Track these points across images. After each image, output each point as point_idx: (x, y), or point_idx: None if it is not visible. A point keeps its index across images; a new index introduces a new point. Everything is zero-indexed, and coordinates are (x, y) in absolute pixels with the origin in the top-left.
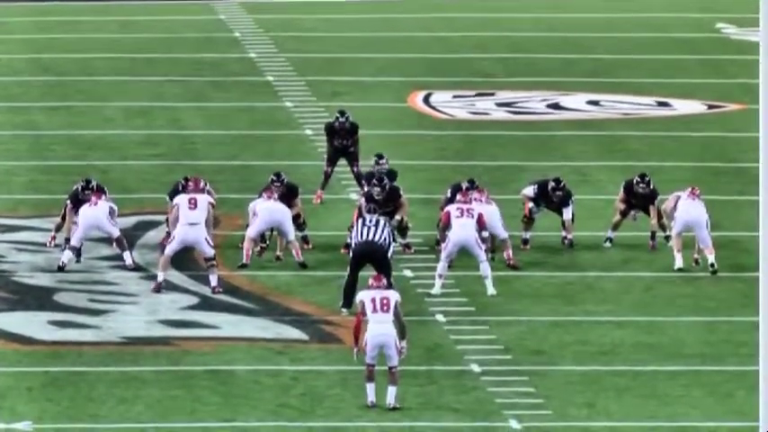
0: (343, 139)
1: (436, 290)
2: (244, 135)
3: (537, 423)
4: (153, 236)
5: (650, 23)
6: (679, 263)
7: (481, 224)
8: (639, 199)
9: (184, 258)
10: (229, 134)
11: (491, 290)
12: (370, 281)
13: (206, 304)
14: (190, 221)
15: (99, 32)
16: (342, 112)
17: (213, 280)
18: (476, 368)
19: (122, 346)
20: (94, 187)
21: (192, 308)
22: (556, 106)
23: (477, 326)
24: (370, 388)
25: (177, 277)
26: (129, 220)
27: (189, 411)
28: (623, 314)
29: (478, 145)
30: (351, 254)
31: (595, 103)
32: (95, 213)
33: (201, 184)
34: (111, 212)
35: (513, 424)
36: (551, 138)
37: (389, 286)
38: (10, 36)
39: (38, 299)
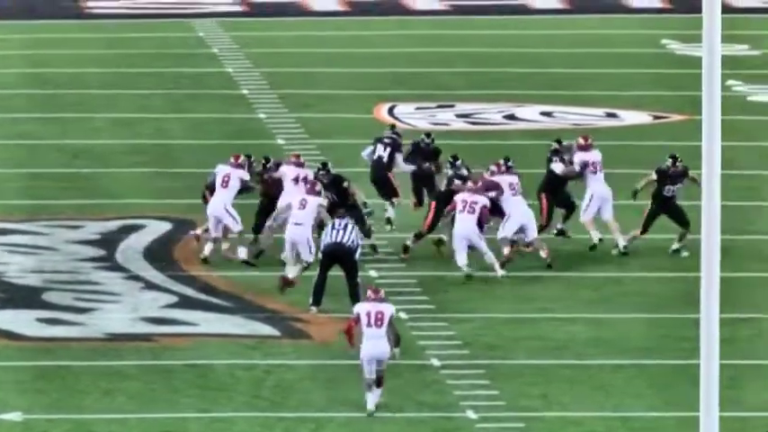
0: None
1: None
2: (221, 144)
3: (493, 413)
4: (134, 239)
5: (600, 40)
6: (595, 238)
7: (483, 218)
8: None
9: (164, 259)
10: (208, 143)
11: (500, 272)
12: (369, 293)
13: (185, 303)
14: (296, 221)
15: (88, 48)
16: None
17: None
18: (436, 362)
19: (106, 341)
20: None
21: (172, 306)
22: (511, 117)
23: (437, 323)
24: (369, 397)
25: (157, 277)
26: (114, 224)
27: (168, 403)
28: (574, 311)
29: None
30: (320, 255)
31: (548, 114)
32: (216, 203)
33: (318, 187)
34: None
35: (470, 414)
36: (507, 146)
37: (356, 285)
38: (6, 52)
39: (27, 298)
